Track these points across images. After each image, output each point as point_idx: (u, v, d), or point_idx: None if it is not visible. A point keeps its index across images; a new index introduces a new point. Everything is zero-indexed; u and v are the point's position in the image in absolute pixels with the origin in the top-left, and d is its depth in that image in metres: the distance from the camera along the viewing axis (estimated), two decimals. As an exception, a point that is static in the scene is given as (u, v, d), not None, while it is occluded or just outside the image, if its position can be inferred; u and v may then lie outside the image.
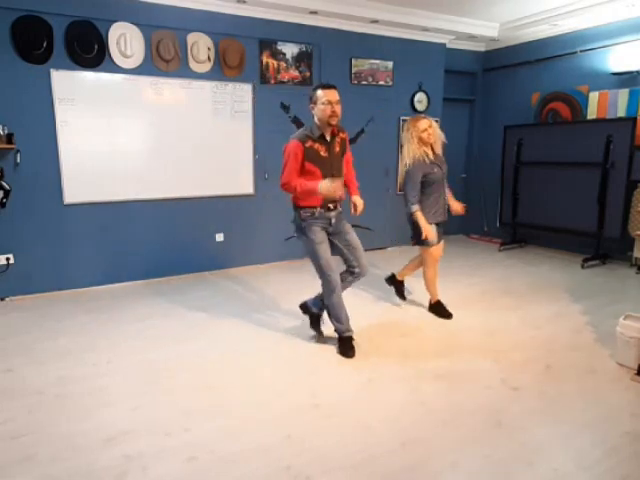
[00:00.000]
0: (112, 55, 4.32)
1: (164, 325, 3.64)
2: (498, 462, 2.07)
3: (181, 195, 4.85)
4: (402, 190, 3.62)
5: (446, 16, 5.60)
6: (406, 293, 4.19)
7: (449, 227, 7.01)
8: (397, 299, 4.15)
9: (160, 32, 4.48)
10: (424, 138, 3.46)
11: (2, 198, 4.03)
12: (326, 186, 2.85)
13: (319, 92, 2.90)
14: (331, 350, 3.20)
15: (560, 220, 5.67)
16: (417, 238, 3.60)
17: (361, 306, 4.02)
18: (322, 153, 2.95)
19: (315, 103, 2.91)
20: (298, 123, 5.36)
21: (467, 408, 2.48)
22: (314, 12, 5.03)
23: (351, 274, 3.24)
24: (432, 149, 3.57)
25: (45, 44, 4.04)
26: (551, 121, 5.95)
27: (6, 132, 3.93)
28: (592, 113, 5.50)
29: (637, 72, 5.03)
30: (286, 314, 3.83)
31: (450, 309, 3.86)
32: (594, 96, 5.47)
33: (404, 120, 6.04)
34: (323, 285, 3.11)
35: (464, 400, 2.56)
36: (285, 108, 5.25)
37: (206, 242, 5.08)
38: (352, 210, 3.15)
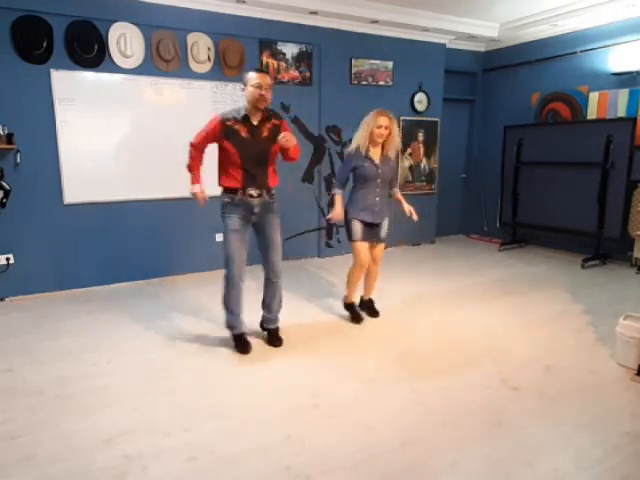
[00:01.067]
0: (112, 55, 4.32)
1: (164, 325, 3.64)
2: (498, 462, 2.07)
3: (181, 195, 4.83)
4: None
5: (446, 16, 5.59)
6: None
7: (449, 227, 7.13)
8: (394, 301, 4.14)
9: (160, 32, 4.48)
10: (374, 133, 3.34)
11: (2, 198, 4.03)
12: (193, 192, 3.03)
13: (251, 74, 2.87)
14: (331, 350, 3.20)
15: (560, 220, 5.67)
16: (346, 231, 3.56)
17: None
18: (242, 134, 2.90)
19: (246, 85, 2.88)
20: (298, 123, 5.36)
21: (467, 408, 2.48)
22: (314, 12, 5.03)
23: (266, 280, 3.18)
24: (383, 148, 3.45)
25: (45, 44, 4.04)
26: (551, 121, 5.95)
27: (6, 132, 3.93)
28: (592, 113, 5.50)
29: (637, 72, 5.03)
30: (286, 314, 3.83)
31: (450, 309, 3.86)
32: (594, 96, 5.47)
33: (404, 120, 6.06)
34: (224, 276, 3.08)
35: (464, 400, 2.56)
36: (285, 108, 5.25)
37: (206, 242, 5.08)
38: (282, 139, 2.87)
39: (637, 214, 5.05)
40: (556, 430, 2.29)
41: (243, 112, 2.92)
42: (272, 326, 3.32)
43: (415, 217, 3.59)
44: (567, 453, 2.12)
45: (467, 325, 3.63)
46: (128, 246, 4.68)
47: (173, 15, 4.49)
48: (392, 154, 3.49)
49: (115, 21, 4.28)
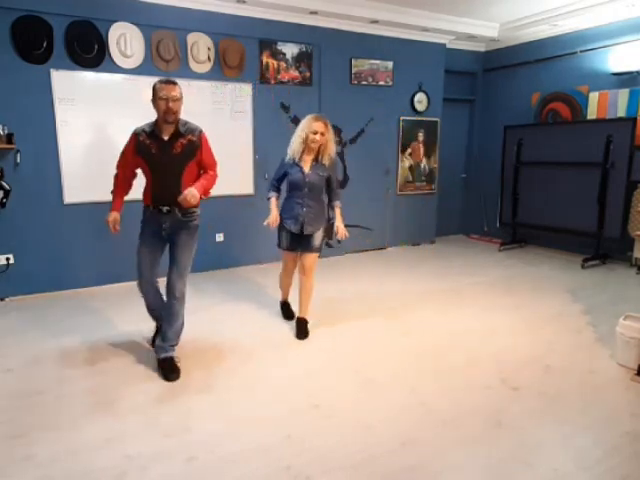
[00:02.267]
0: (112, 55, 4.32)
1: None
2: (498, 462, 2.07)
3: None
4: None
5: (446, 16, 5.60)
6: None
7: (449, 227, 7.13)
8: (394, 301, 4.14)
9: (160, 32, 4.48)
10: (309, 138, 3.17)
11: (2, 198, 4.03)
12: (108, 218, 2.93)
13: (157, 86, 2.67)
14: (331, 350, 3.20)
15: (560, 220, 5.67)
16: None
17: (358, 306, 4.02)
18: (153, 150, 2.75)
19: (154, 97, 2.69)
20: (298, 123, 5.35)
21: (467, 408, 2.48)
22: (314, 12, 5.03)
23: (166, 299, 2.93)
24: (317, 154, 3.26)
25: (45, 44, 4.04)
26: (551, 121, 5.95)
27: (6, 132, 3.93)
28: (592, 113, 5.50)
29: (637, 72, 5.03)
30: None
31: (450, 309, 3.86)
32: (594, 96, 5.47)
33: (404, 120, 6.06)
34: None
35: (464, 400, 2.56)
36: (285, 108, 5.25)
37: (206, 242, 5.07)
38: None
39: (637, 214, 5.05)
40: (556, 430, 2.29)
41: (152, 127, 2.77)
42: (162, 355, 2.85)
43: (340, 236, 3.36)
44: (567, 453, 2.12)
45: (467, 325, 3.63)
46: (128, 246, 4.66)
47: (173, 15, 4.49)
48: (326, 162, 3.27)
49: (115, 21, 4.28)
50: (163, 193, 2.81)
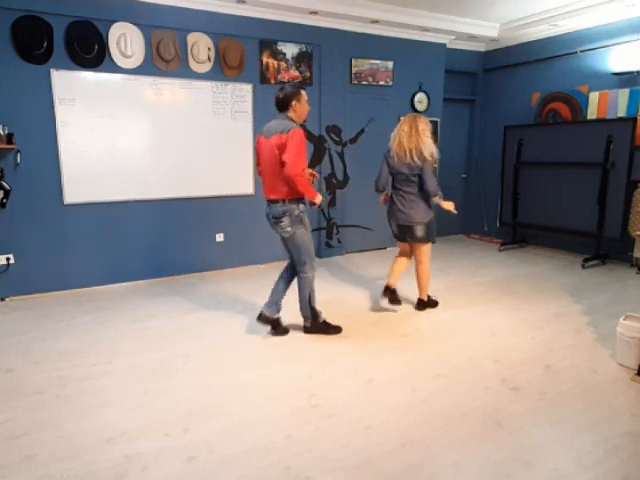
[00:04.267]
0: (112, 55, 4.32)
1: (164, 325, 3.64)
2: (498, 462, 2.07)
3: (181, 195, 4.85)
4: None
5: (446, 16, 5.60)
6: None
7: (450, 227, 7.12)
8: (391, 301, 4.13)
9: (160, 32, 4.48)
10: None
11: (2, 198, 4.03)
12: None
13: (302, 92, 3.14)
14: (331, 350, 3.20)
15: (560, 220, 5.67)
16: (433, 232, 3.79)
17: (357, 307, 4.02)
18: None
19: (299, 101, 3.12)
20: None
21: (467, 408, 2.48)
22: (314, 12, 5.03)
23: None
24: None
25: (45, 44, 4.04)
26: (551, 121, 5.95)
27: (6, 132, 3.93)
28: (592, 113, 5.50)
29: (637, 72, 5.03)
30: (286, 314, 3.83)
31: (450, 309, 3.86)
32: (594, 96, 5.46)
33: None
34: (312, 269, 3.30)
35: (464, 400, 2.56)
36: (285, 108, 5.24)
37: (206, 242, 5.08)
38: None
39: (637, 214, 5.05)
40: (556, 430, 2.29)
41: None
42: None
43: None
44: (567, 453, 2.12)
45: (467, 325, 3.63)
46: (128, 246, 4.68)
47: (173, 15, 4.49)
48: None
49: (115, 21, 4.28)
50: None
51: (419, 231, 3.67)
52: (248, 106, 5.05)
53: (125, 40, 4.31)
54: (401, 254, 3.94)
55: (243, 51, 4.90)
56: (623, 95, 5.19)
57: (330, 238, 5.87)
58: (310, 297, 3.37)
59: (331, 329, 3.44)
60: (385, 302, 3.84)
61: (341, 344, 3.30)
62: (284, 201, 3.12)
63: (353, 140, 5.80)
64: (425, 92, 6.13)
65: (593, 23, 5.35)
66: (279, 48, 5.13)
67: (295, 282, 3.37)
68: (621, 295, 4.30)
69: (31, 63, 4.03)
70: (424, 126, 3.54)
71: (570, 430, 2.30)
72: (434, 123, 6.29)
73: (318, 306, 3.46)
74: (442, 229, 6.84)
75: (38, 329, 3.56)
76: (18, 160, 4.08)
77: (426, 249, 3.79)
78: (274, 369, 2.94)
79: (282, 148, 2.99)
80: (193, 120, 4.76)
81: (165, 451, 2.13)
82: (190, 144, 4.81)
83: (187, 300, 4.21)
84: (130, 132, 4.54)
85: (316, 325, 3.43)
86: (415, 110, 6.09)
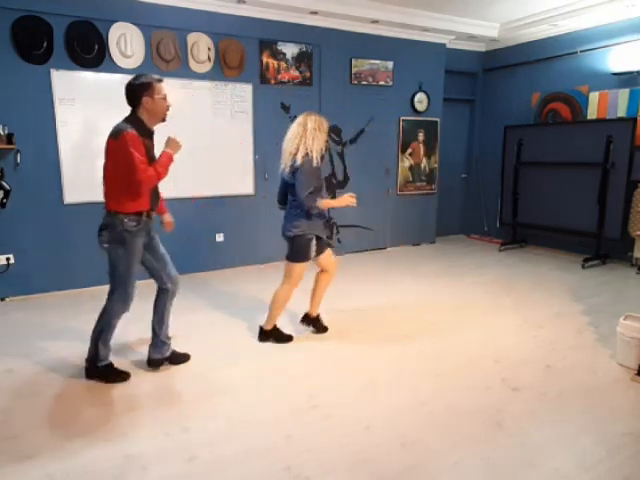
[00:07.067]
0: (112, 55, 4.31)
1: (164, 325, 3.63)
2: (498, 462, 2.06)
3: (181, 195, 4.84)
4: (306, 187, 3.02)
5: (446, 16, 5.60)
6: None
7: (449, 227, 7.13)
8: (394, 301, 4.13)
9: (160, 32, 4.48)
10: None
11: (2, 198, 4.03)
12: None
13: (155, 84, 2.63)
14: (331, 350, 3.20)
15: (560, 220, 5.66)
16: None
17: (357, 307, 4.02)
18: (151, 152, 2.72)
19: (150, 96, 2.62)
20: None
21: (467, 408, 2.48)
22: (314, 12, 5.03)
23: (165, 292, 2.89)
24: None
25: (45, 44, 4.04)
26: (551, 121, 5.95)
27: (6, 132, 3.93)
28: (592, 113, 5.50)
29: (637, 72, 5.03)
30: (286, 314, 3.83)
31: (450, 308, 3.85)
32: (594, 96, 5.46)
33: (404, 120, 6.06)
34: (119, 301, 2.76)
35: (464, 400, 2.56)
36: (285, 108, 5.25)
37: (206, 242, 5.08)
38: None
39: (637, 214, 5.05)
40: (557, 430, 2.29)
41: (137, 125, 2.63)
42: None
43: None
44: (568, 453, 2.12)
45: (467, 325, 3.63)
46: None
47: (173, 15, 4.49)
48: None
49: (115, 21, 4.28)
50: (157, 196, 2.81)
51: (287, 244, 3.17)
52: (248, 106, 5.05)
53: (125, 40, 4.30)
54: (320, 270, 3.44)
55: (243, 51, 4.90)
56: (623, 95, 5.19)
57: (330, 238, 5.86)
58: (106, 329, 2.81)
59: (112, 375, 2.74)
60: (385, 302, 3.82)
61: (341, 344, 3.29)
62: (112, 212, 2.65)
63: (353, 140, 5.79)
64: (425, 92, 6.13)
65: (593, 23, 5.35)
66: (279, 48, 5.13)
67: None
68: (621, 295, 4.30)
69: (31, 63, 4.03)
70: (314, 124, 3.00)
71: (571, 430, 2.29)
72: (434, 123, 6.30)
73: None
74: (442, 229, 6.87)
75: (38, 329, 3.56)
76: (18, 160, 4.07)
77: (289, 269, 3.18)
78: (274, 369, 2.93)
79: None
80: (193, 120, 4.75)
81: (165, 451, 2.13)
82: (190, 144, 4.74)
83: (186, 300, 4.20)
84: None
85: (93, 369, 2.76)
86: (415, 110, 6.10)
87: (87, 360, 2.77)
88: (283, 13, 4.97)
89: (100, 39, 4.25)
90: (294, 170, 2.98)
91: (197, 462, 2.06)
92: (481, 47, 6.69)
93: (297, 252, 3.12)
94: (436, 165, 6.46)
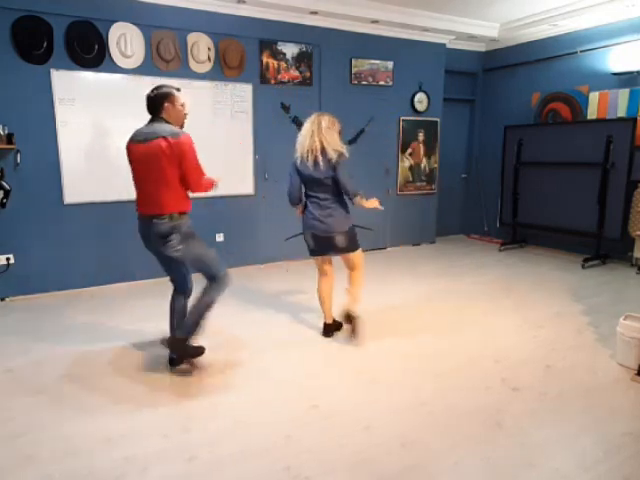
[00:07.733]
0: (112, 55, 4.32)
1: (164, 326, 3.63)
2: (498, 462, 2.06)
3: (181, 195, 4.84)
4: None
5: (446, 16, 5.60)
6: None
7: (449, 227, 7.12)
8: (394, 301, 4.13)
9: (160, 32, 4.48)
10: None
11: (2, 198, 4.03)
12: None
13: (175, 93, 2.75)
14: (331, 350, 3.20)
15: (560, 220, 5.66)
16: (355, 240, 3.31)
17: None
18: None
19: (172, 104, 2.76)
20: (298, 123, 5.36)
21: (467, 408, 2.48)
22: (314, 12, 5.03)
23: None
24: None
25: (45, 44, 4.04)
26: (551, 121, 5.95)
27: (6, 132, 3.93)
28: (592, 113, 5.50)
29: (637, 72, 5.03)
30: (285, 314, 3.83)
31: (450, 309, 3.85)
32: (594, 96, 5.46)
33: (404, 120, 6.06)
34: (223, 283, 2.97)
35: (464, 400, 2.56)
36: (285, 108, 5.25)
37: (206, 242, 5.05)
38: None
39: (637, 214, 5.05)
40: (557, 430, 2.29)
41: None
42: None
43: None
44: (568, 453, 2.12)
45: (467, 325, 3.63)
46: (128, 246, 4.67)
47: (173, 15, 4.49)
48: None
49: (115, 21, 4.28)
50: None
51: (341, 241, 3.22)
52: (248, 106, 5.05)
53: (125, 40, 4.31)
54: (320, 275, 3.48)
55: (243, 51, 4.90)
56: (623, 95, 5.19)
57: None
58: (204, 312, 2.93)
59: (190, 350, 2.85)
60: (385, 301, 3.82)
61: (341, 344, 3.29)
62: (174, 215, 2.81)
63: (353, 140, 5.79)
64: (425, 92, 6.13)
65: (593, 23, 5.35)
66: (279, 48, 5.13)
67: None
68: (621, 295, 4.30)
69: (31, 63, 4.03)
70: (327, 123, 3.13)
71: (571, 430, 2.29)
72: (434, 123, 6.30)
73: None
74: (442, 229, 6.87)
75: (38, 329, 3.56)
76: (18, 160, 4.07)
77: (357, 256, 3.34)
78: (274, 369, 2.93)
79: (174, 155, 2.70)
80: (193, 120, 4.72)
81: (165, 451, 2.13)
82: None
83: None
84: (130, 132, 4.52)
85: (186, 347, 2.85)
86: (415, 110, 6.10)
87: (175, 342, 2.80)
88: (283, 13, 4.97)
89: (100, 39, 4.25)
90: (332, 167, 3.06)
91: (197, 462, 2.06)
92: (481, 47, 6.69)
93: (356, 240, 3.32)
94: (436, 165, 6.46)
